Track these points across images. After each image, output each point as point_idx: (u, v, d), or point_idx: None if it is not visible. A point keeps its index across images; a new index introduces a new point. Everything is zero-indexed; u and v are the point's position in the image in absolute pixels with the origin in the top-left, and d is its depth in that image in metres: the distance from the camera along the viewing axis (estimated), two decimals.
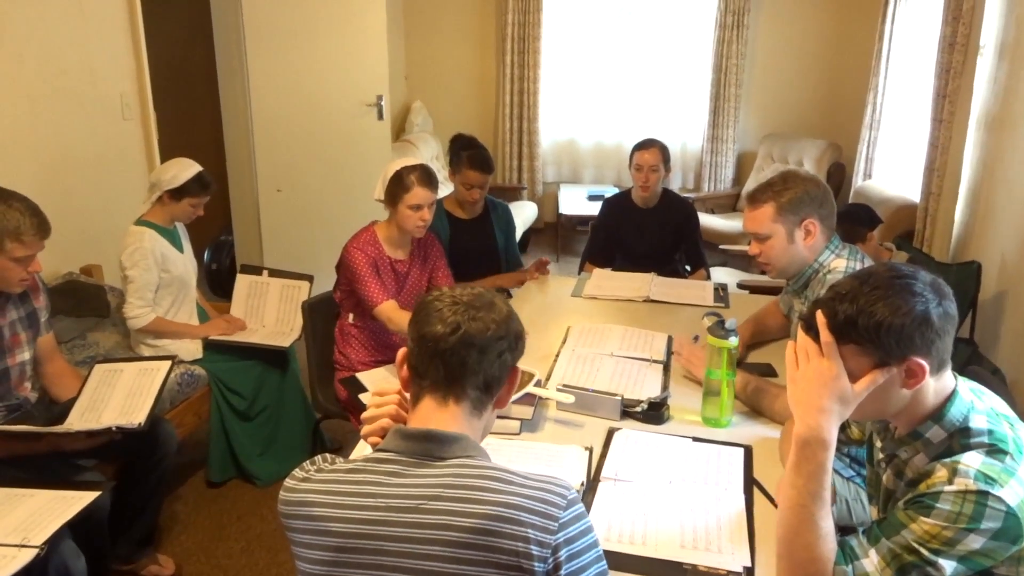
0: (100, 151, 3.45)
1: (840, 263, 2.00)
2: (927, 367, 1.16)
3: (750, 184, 5.78)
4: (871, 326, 1.15)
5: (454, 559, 1.05)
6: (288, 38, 4.32)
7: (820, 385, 1.19)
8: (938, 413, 1.21)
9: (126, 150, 3.61)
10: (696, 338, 2.35)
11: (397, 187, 2.54)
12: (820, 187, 2.02)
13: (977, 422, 1.19)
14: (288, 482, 1.16)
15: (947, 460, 1.16)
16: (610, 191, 5.50)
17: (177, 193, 2.73)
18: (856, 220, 2.95)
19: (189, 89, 5.02)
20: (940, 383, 1.21)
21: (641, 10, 5.98)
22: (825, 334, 1.19)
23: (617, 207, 3.53)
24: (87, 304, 3.06)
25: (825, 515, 1.21)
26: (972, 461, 1.13)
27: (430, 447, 1.13)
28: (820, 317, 1.21)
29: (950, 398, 1.21)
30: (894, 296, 1.15)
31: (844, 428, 1.54)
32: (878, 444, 1.37)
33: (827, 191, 2.04)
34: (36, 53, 3.09)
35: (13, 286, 2.13)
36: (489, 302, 1.20)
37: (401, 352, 1.24)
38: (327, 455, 1.20)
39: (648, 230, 3.44)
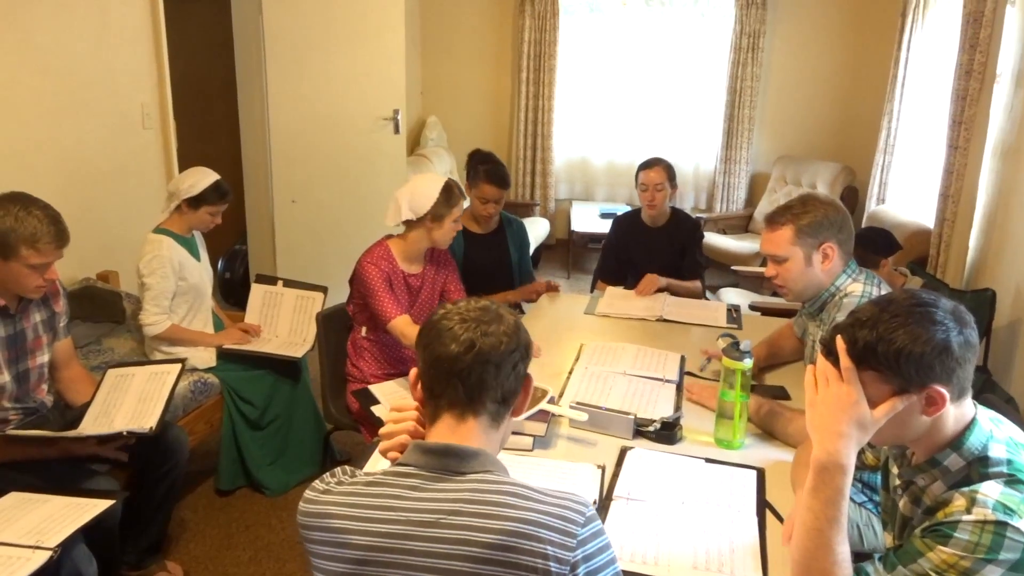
0: (120, 160, 3.49)
1: (857, 287, 2.00)
2: (947, 395, 1.16)
3: (763, 206, 5.78)
4: (891, 353, 1.15)
5: (474, 574, 1.05)
6: (307, 52, 4.37)
7: (839, 410, 1.20)
8: (957, 441, 1.20)
9: (145, 159, 3.65)
10: (708, 360, 2.35)
11: (448, 201, 2.56)
12: (839, 211, 2.03)
13: (996, 451, 1.19)
14: (308, 493, 1.16)
15: (965, 489, 1.16)
16: (622, 209, 5.51)
17: (195, 202, 2.76)
18: (873, 246, 2.94)
19: (208, 100, 5.07)
20: (960, 411, 1.21)
21: (657, 31, 6.02)
22: (845, 360, 1.20)
23: (627, 226, 3.54)
24: (103, 310, 3.09)
25: (842, 540, 1.21)
26: (991, 491, 1.13)
27: (450, 462, 1.14)
28: (840, 343, 1.21)
29: (969, 426, 1.21)
30: (914, 324, 1.15)
31: (859, 454, 1.53)
32: (894, 470, 1.36)
33: (846, 215, 2.04)
34: (60, 65, 3.14)
35: (29, 292, 2.13)
36: (496, 314, 1.21)
37: (414, 372, 1.25)
38: (347, 467, 1.20)
39: (657, 249, 3.44)
